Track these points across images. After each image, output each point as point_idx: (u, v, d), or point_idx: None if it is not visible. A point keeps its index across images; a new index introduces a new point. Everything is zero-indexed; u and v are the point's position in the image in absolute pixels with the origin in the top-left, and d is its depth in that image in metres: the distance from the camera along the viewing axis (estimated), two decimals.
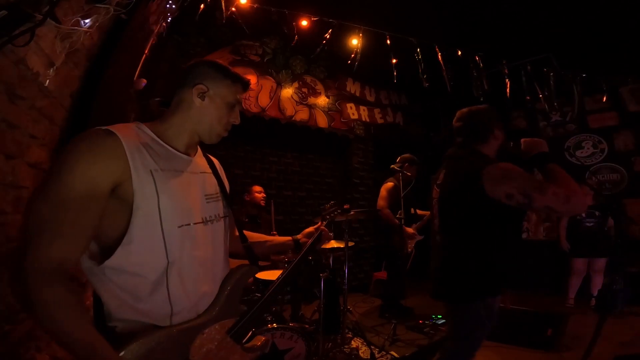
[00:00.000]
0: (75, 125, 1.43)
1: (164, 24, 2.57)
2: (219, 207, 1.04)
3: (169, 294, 0.85)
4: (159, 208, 0.84)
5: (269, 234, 3.40)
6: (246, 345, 0.96)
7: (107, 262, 0.80)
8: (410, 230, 3.69)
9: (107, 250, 0.81)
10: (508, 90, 3.67)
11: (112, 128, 0.84)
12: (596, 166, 4.86)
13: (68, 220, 0.74)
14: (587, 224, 4.06)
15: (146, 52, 2.39)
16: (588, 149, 4.95)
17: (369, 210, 4.04)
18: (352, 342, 2.93)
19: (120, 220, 0.81)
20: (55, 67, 1.17)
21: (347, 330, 2.95)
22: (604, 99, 4.41)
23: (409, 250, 3.68)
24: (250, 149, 4.65)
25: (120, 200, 0.81)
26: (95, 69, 1.51)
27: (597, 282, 3.96)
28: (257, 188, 3.59)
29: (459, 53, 3.50)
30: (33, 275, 0.69)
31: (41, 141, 1.22)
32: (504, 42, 3.94)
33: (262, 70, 4.47)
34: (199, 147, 1.07)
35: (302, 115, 4.80)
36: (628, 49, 4.21)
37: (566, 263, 4.26)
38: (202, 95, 0.96)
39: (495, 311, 1.52)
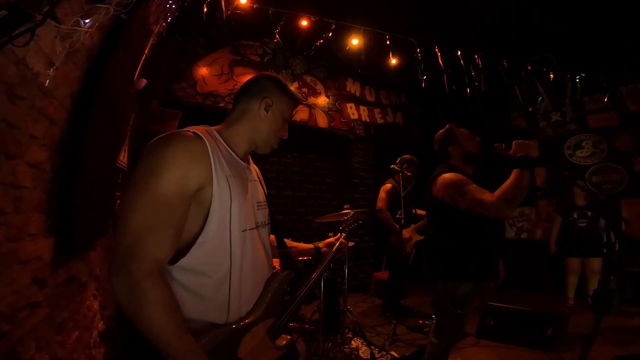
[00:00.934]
0: (75, 125, 1.43)
1: (164, 24, 2.57)
2: (265, 214, 1.10)
3: (229, 294, 0.89)
4: (230, 212, 0.89)
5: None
6: (276, 343, 1.01)
7: (180, 262, 0.84)
8: (406, 235, 3.68)
9: (180, 251, 0.84)
10: (509, 90, 3.68)
11: (197, 131, 0.88)
12: (596, 166, 4.86)
13: (166, 219, 0.78)
14: (580, 224, 4.06)
15: (146, 52, 2.39)
16: (588, 149, 4.95)
17: (370, 210, 4.03)
18: (352, 342, 2.93)
19: (197, 223, 0.85)
20: (55, 67, 1.17)
21: (347, 330, 2.95)
22: (604, 99, 4.41)
23: (408, 250, 3.67)
24: None
25: (198, 202, 0.85)
26: (95, 69, 1.51)
27: (594, 282, 3.97)
28: None
29: (459, 53, 3.50)
30: (139, 276, 0.72)
31: (41, 141, 1.22)
32: (504, 42, 3.94)
33: (262, 70, 4.47)
34: (249, 156, 1.12)
35: (302, 115, 4.80)
36: (628, 49, 4.20)
37: (564, 263, 4.27)
38: (267, 108, 1.03)
39: (463, 298, 1.75)
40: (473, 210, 1.62)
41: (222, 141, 0.97)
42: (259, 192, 1.09)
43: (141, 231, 0.75)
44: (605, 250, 3.94)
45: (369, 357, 2.69)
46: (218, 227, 0.87)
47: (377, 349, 2.84)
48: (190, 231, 0.85)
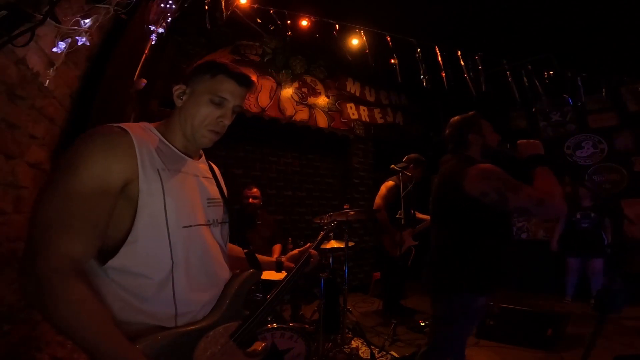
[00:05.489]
0: (75, 125, 1.44)
1: (164, 24, 2.57)
2: (219, 213, 1.04)
3: (174, 294, 0.84)
4: (165, 207, 0.83)
5: (271, 234, 3.38)
6: (248, 350, 0.95)
7: (110, 262, 0.79)
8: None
9: (110, 250, 0.80)
10: (509, 90, 3.68)
11: (124, 126, 0.84)
12: (596, 166, 4.86)
13: (80, 215, 0.73)
14: (583, 225, 4.07)
15: (146, 52, 2.39)
16: (588, 149, 4.95)
17: (366, 210, 4.01)
18: (352, 342, 2.93)
19: (125, 219, 0.80)
20: (55, 67, 1.17)
21: (347, 330, 2.94)
22: (604, 99, 4.41)
23: (400, 253, 3.56)
24: (250, 149, 4.65)
25: (126, 198, 0.80)
26: (95, 69, 1.51)
27: (596, 283, 3.97)
28: (248, 193, 3.35)
29: (459, 53, 3.49)
30: (46, 272, 0.67)
31: (41, 141, 1.22)
32: (504, 42, 3.94)
33: (262, 70, 4.47)
34: (202, 152, 1.07)
35: (302, 115, 4.80)
36: (628, 49, 4.20)
37: (564, 263, 4.27)
38: (180, 95, 0.96)
39: (476, 311, 1.55)
40: (525, 210, 1.39)
41: (158, 134, 0.93)
42: (211, 189, 1.03)
43: (50, 227, 0.70)
44: (608, 251, 3.95)
45: (369, 357, 2.69)
46: (151, 224, 0.81)
47: (377, 349, 2.84)
48: (120, 229, 0.80)
